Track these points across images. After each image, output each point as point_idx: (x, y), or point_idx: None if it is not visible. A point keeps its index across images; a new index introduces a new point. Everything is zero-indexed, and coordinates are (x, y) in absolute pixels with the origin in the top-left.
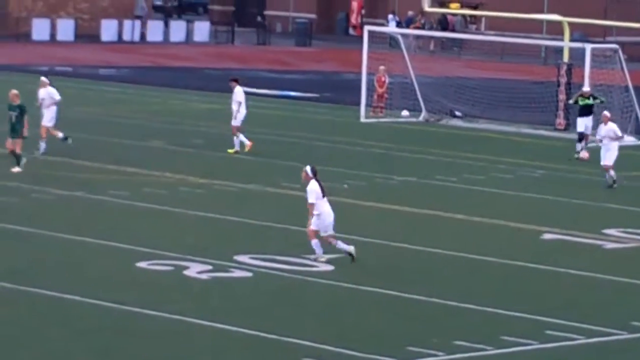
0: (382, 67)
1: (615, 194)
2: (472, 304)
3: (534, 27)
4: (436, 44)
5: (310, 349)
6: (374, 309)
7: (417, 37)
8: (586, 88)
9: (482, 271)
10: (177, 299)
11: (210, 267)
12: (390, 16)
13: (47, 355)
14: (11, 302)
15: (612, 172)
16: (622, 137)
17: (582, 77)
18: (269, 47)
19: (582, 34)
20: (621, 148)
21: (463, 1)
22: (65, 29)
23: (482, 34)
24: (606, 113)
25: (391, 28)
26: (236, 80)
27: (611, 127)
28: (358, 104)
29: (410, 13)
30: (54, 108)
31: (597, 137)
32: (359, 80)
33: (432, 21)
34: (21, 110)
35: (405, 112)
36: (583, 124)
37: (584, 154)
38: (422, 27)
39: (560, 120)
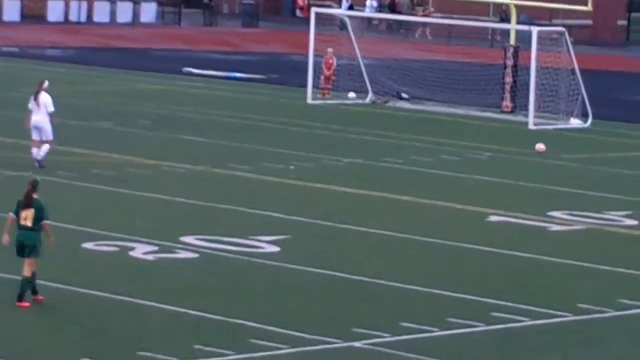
0: (330, 50)
1: (561, 177)
2: (419, 285)
3: (481, 10)
4: (382, 26)
5: (257, 330)
6: (320, 291)
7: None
8: None
9: (428, 253)
10: (123, 280)
11: (156, 248)
12: None
13: None
14: None
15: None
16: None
17: (529, 59)
18: (215, 28)
19: (529, 16)
20: (568, 130)
21: None
22: (11, 9)
23: (429, 16)
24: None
25: (336, 10)
26: None
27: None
28: (305, 85)
29: None
30: None
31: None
32: (306, 62)
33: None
34: None
35: (352, 94)
36: None
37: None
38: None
39: (507, 103)
